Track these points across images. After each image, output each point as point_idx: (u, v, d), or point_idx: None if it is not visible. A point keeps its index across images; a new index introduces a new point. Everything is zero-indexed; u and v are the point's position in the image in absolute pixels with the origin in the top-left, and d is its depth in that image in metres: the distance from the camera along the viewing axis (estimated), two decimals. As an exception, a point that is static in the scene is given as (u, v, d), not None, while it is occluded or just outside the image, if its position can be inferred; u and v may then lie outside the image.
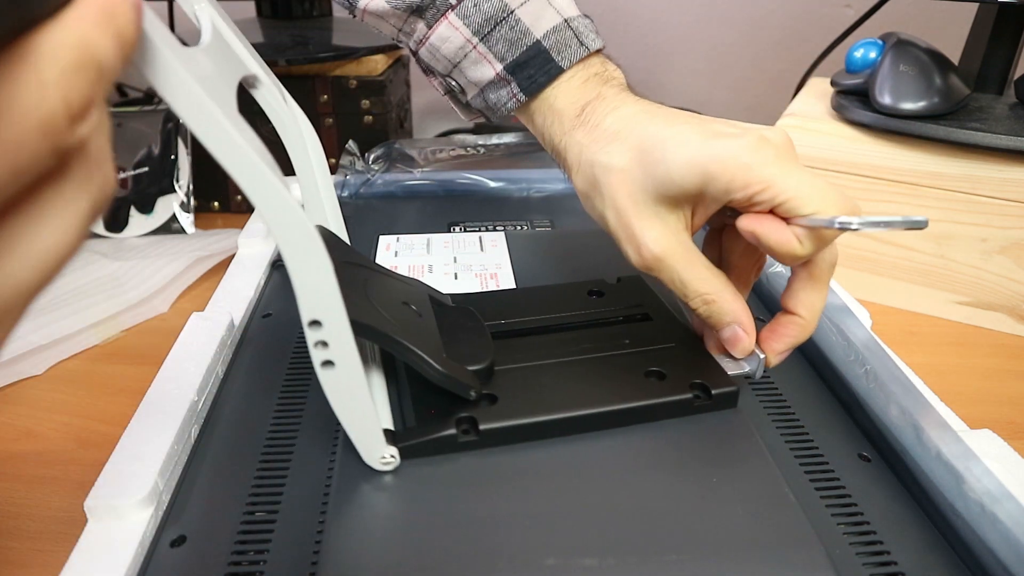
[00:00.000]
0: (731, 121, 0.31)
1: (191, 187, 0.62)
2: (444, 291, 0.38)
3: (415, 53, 0.40)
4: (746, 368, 0.33)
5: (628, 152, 0.31)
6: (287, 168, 0.36)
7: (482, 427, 0.29)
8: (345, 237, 0.38)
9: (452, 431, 0.29)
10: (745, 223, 0.30)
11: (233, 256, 0.47)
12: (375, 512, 0.27)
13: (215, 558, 0.26)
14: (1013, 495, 0.26)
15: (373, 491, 0.28)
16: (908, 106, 0.49)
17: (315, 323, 0.24)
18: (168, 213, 0.62)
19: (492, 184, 0.61)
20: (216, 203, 0.67)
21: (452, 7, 0.36)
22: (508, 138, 0.66)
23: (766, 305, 0.44)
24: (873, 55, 0.53)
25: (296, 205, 0.23)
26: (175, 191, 0.62)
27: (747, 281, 0.34)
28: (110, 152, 0.16)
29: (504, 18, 0.36)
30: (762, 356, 0.32)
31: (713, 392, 0.31)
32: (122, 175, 0.62)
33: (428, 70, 0.40)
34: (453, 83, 0.40)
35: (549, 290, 0.40)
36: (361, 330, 0.27)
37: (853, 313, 0.38)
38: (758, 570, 0.25)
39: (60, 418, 0.41)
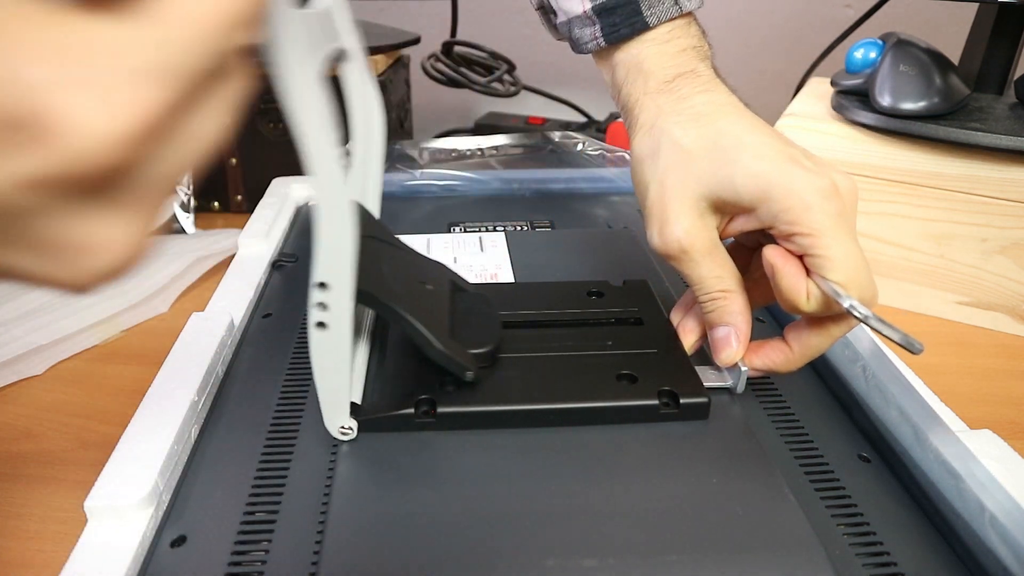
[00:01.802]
0: (811, 153, 0.31)
1: (191, 187, 0.62)
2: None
3: None
4: (728, 381, 0.33)
5: (703, 139, 0.31)
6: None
7: (440, 410, 0.30)
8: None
9: (411, 410, 0.30)
10: (771, 254, 0.30)
11: (233, 256, 0.47)
12: (375, 512, 0.27)
13: (215, 558, 0.26)
14: (1013, 495, 0.26)
15: (373, 491, 0.28)
16: (908, 106, 0.49)
17: (323, 285, 0.26)
18: (168, 213, 0.62)
19: (492, 184, 0.61)
20: (216, 203, 0.67)
21: None
22: (508, 139, 0.66)
23: (766, 306, 0.44)
24: (873, 55, 0.53)
25: (342, 177, 0.24)
26: (175, 191, 0.62)
27: (760, 300, 0.34)
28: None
29: None
30: (744, 369, 0.32)
31: (681, 401, 0.31)
32: (122, 175, 0.62)
33: None
34: (546, 1, 0.39)
35: (548, 287, 0.40)
36: (364, 298, 0.29)
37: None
38: (758, 570, 0.25)
39: (60, 418, 0.41)
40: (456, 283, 0.37)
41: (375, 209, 0.38)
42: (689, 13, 0.35)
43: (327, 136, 0.23)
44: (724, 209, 0.31)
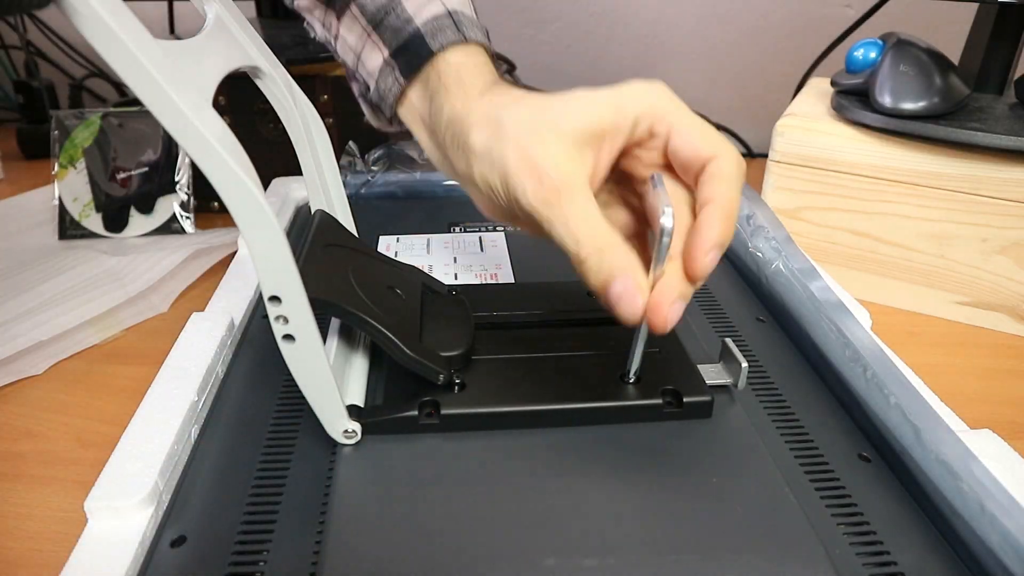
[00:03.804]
0: None
1: (191, 187, 0.62)
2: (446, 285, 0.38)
3: (336, 52, 0.42)
4: (728, 379, 0.33)
5: (538, 102, 0.31)
6: (295, 164, 0.37)
7: (444, 411, 0.30)
8: (351, 224, 0.39)
9: (414, 412, 0.30)
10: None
11: (233, 255, 0.47)
12: (375, 512, 0.27)
13: (215, 558, 0.26)
14: (1013, 495, 0.26)
15: (373, 490, 0.28)
16: (908, 106, 0.49)
17: (274, 298, 0.26)
18: (168, 213, 0.62)
19: (492, 184, 0.61)
20: (216, 203, 0.67)
21: (352, 0, 0.39)
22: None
23: (766, 305, 0.44)
24: (873, 55, 0.53)
25: (251, 184, 0.23)
26: (175, 191, 0.62)
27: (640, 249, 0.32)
28: None
29: (392, 8, 0.38)
30: (744, 365, 0.32)
31: (684, 400, 0.31)
32: (122, 175, 0.62)
33: (351, 76, 0.42)
34: (360, 79, 0.41)
35: (549, 287, 0.40)
36: (321, 307, 0.28)
37: (853, 313, 0.38)
38: (758, 570, 0.25)
39: (60, 418, 0.41)
40: (429, 287, 0.37)
41: (342, 213, 0.38)
42: (481, 45, 0.37)
43: (215, 145, 0.23)
44: (587, 144, 0.30)
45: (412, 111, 0.39)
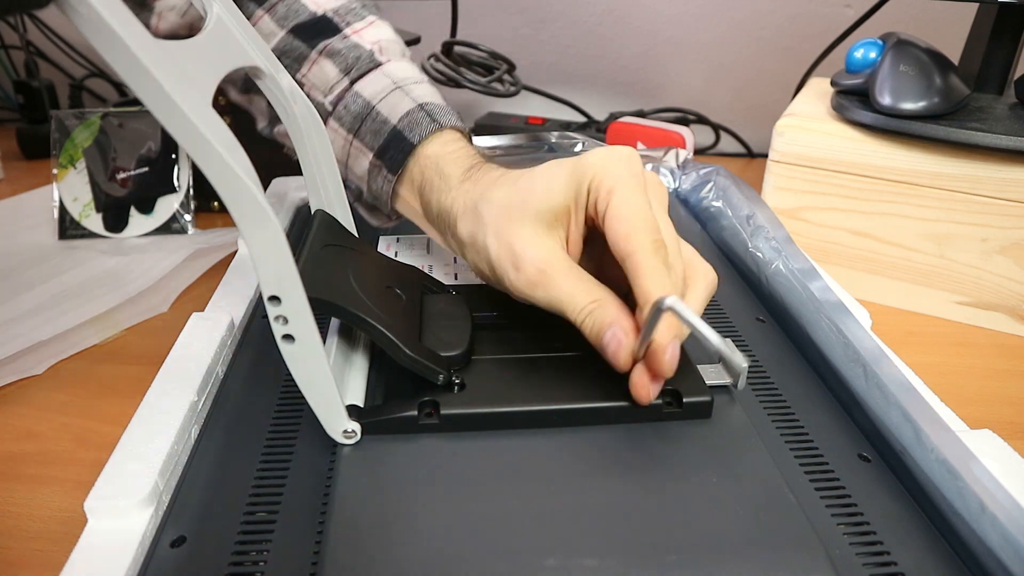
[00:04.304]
0: None
1: (191, 187, 0.62)
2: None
3: None
4: (728, 379, 0.33)
5: (509, 187, 0.33)
6: (295, 164, 0.37)
7: (443, 411, 0.30)
8: (351, 224, 0.39)
9: (414, 412, 0.30)
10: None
11: (233, 255, 0.47)
12: (375, 512, 0.27)
13: (215, 558, 0.26)
14: (1013, 495, 0.26)
15: (373, 491, 0.28)
16: (908, 106, 0.49)
17: (274, 298, 0.25)
18: (168, 213, 0.62)
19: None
20: (216, 203, 0.67)
21: (330, 113, 0.41)
22: (508, 139, 0.66)
23: (766, 305, 0.44)
24: (873, 55, 0.53)
25: (250, 184, 0.24)
26: (175, 191, 0.62)
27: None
28: None
29: (368, 113, 0.40)
30: (744, 366, 0.32)
31: (684, 400, 0.31)
32: (122, 175, 0.62)
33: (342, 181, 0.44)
34: (352, 185, 0.43)
35: None
36: (321, 307, 0.28)
37: (853, 313, 0.38)
38: (758, 570, 0.25)
39: (60, 418, 0.41)
40: (429, 287, 0.37)
41: (342, 213, 0.38)
42: (457, 129, 0.40)
43: (215, 145, 0.23)
44: (557, 221, 0.32)
45: (406, 205, 0.41)
